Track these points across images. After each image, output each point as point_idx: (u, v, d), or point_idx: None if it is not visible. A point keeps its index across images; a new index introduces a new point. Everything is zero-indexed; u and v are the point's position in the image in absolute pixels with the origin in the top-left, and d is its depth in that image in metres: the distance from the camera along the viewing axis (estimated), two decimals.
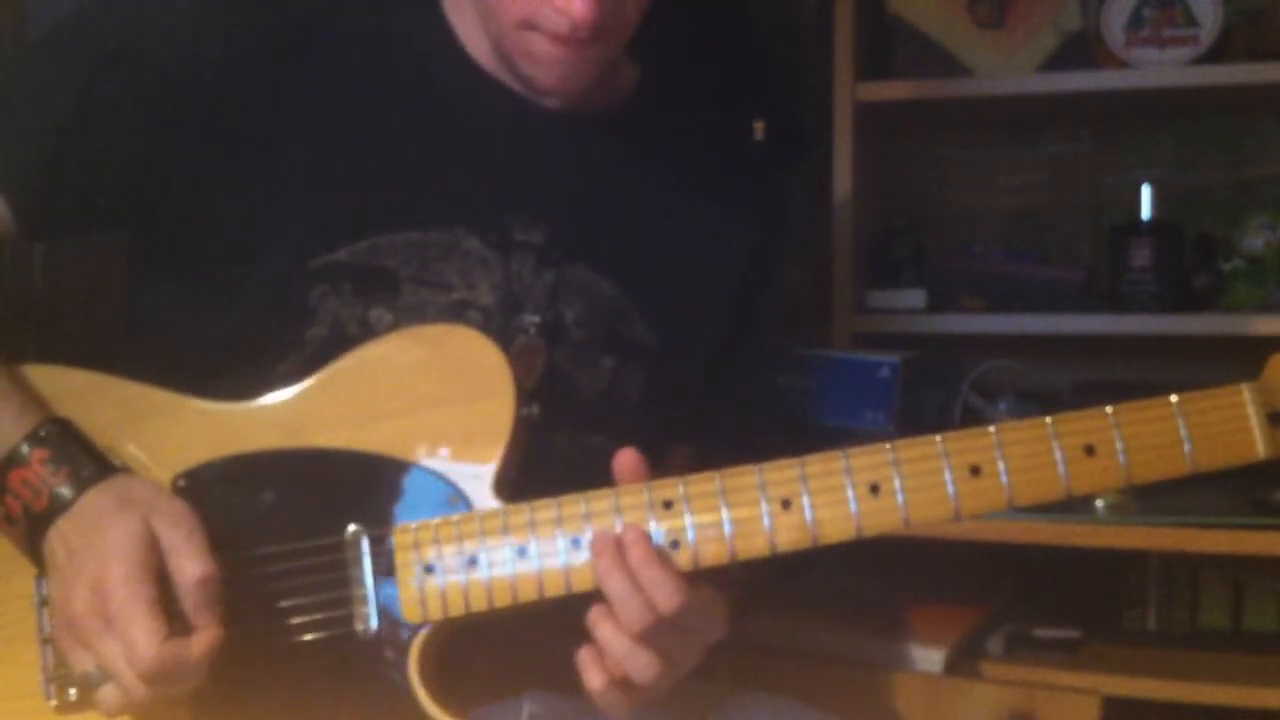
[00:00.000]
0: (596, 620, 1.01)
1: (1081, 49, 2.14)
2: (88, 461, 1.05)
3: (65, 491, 1.03)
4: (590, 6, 1.07)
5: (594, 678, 1.02)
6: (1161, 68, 2.04)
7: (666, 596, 0.99)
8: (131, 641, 0.96)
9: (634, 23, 1.14)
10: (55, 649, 1.04)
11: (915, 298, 2.20)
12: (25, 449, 1.04)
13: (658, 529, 1.02)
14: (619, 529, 1.01)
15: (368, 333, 1.12)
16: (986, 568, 2.04)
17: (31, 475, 1.03)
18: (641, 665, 1.00)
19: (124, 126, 1.12)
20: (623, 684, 1.02)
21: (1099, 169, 2.35)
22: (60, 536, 1.02)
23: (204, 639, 0.98)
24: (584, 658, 1.03)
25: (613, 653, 1.01)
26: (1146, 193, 2.22)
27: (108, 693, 1.00)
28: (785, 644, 1.87)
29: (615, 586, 1.00)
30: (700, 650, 1.06)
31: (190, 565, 0.99)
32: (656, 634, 1.00)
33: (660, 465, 1.05)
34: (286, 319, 1.13)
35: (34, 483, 1.03)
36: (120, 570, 0.98)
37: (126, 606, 0.97)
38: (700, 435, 1.30)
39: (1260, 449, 0.96)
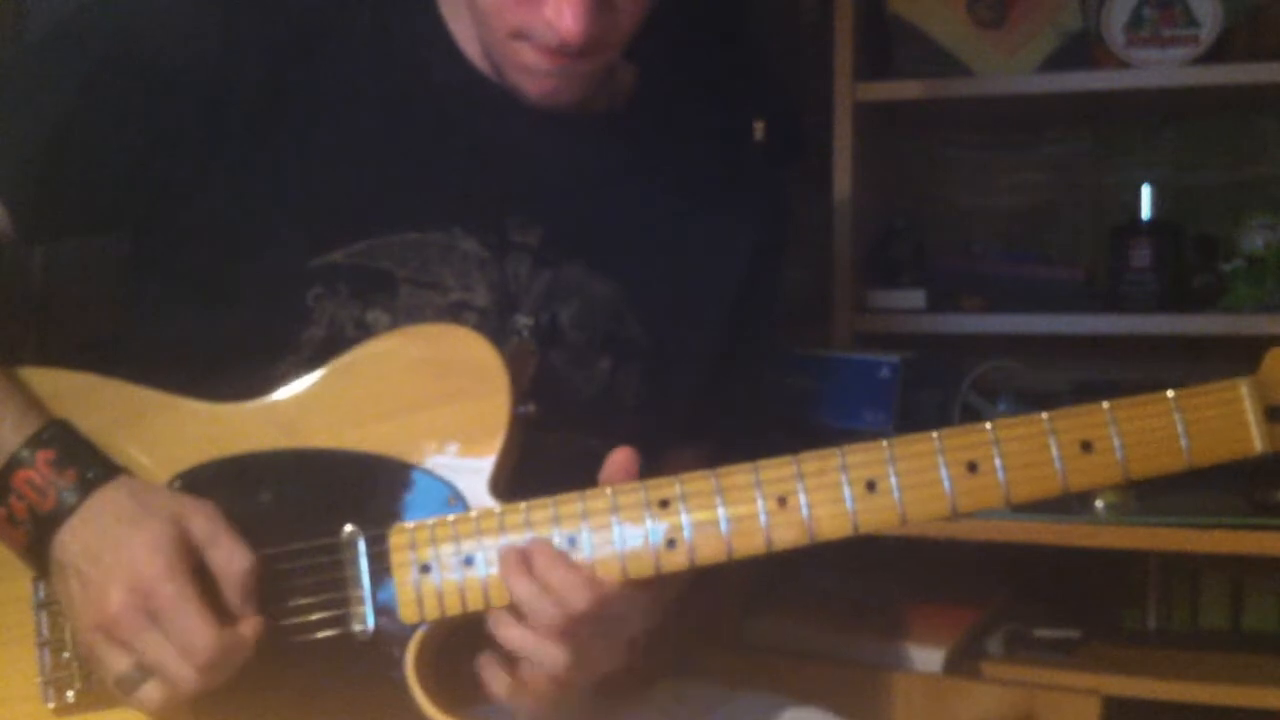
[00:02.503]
0: (498, 624, 1.03)
1: (1081, 49, 2.14)
2: (93, 462, 1.05)
3: (72, 493, 1.03)
4: (580, 24, 1.06)
5: (496, 681, 1.04)
6: (1161, 68, 2.04)
7: (576, 594, 1.00)
8: (188, 635, 0.98)
9: (627, 37, 1.14)
10: (81, 651, 1.05)
11: (915, 298, 2.20)
12: (29, 451, 1.04)
13: (655, 527, 1.02)
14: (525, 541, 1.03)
15: (365, 334, 1.12)
16: (986, 568, 2.04)
17: (37, 477, 1.04)
18: (550, 658, 1.02)
19: (122, 128, 1.12)
20: (531, 682, 1.03)
21: (1099, 169, 2.35)
22: (75, 538, 1.02)
23: (254, 624, 1.01)
24: (485, 663, 1.05)
25: (521, 650, 1.02)
26: (1146, 193, 2.22)
27: (151, 690, 1.00)
28: (785, 644, 1.87)
29: (521, 590, 1.01)
30: (623, 641, 1.07)
31: (236, 557, 1.02)
32: (569, 630, 1.01)
33: (659, 468, 1.05)
34: (283, 320, 1.13)
35: (40, 484, 1.03)
36: (162, 565, 0.99)
37: (174, 602, 0.98)
38: (699, 437, 1.29)
39: (1257, 444, 0.96)
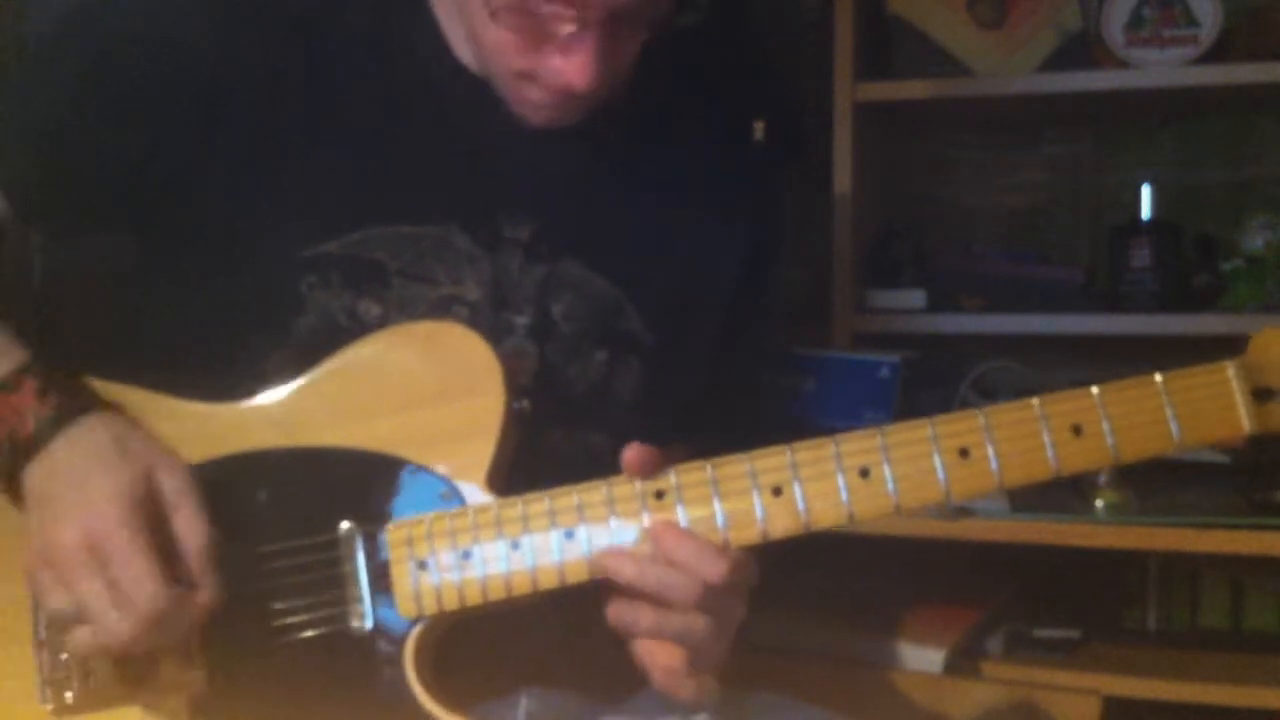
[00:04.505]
0: (637, 615, 1.01)
1: (1081, 49, 2.14)
2: (78, 393, 1.05)
3: (51, 421, 1.03)
4: (589, 77, 1.06)
5: (660, 671, 1.03)
6: (1161, 68, 2.04)
7: (711, 567, 1.00)
8: (128, 586, 0.97)
9: (626, 73, 1.14)
10: (29, 583, 1.03)
11: (915, 298, 2.20)
12: (15, 377, 1.04)
13: (650, 521, 1.02)
14: (647, 524, 1.02)
15: (356, 324, 1.13)
16: (986, 568, 2.04)
17: (19, 401, 1.03)
18: (699, 630, 1.01)
19: (118, 125, 1.13)
20: (687, 662, 1.02)
21: (1099, 169, 2.35)
22: (47, 468, 1.02)
23: (206, 594, 1.00)
24: (642, 654, 1.03)
25: (668, 631, 1.01)
26: (1146, 193, 2.22)
27: (81, 634, 0.99)
28: (785, 644, 1.87)
29: (653, 577, 1.00)
30: (744, 601, 1.06)
31: (197, 525, 1.01)
32: (707, 598, 1.01)
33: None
34: (277, 309, 1.13)
35: (20, 408, 1.03)
36: (119, 512, 0.98)
37: (127, 548, 0.97)
38: (697, 434, 1.29)
39: (1246, 424, 0.97)
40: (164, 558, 0.99)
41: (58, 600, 1.00)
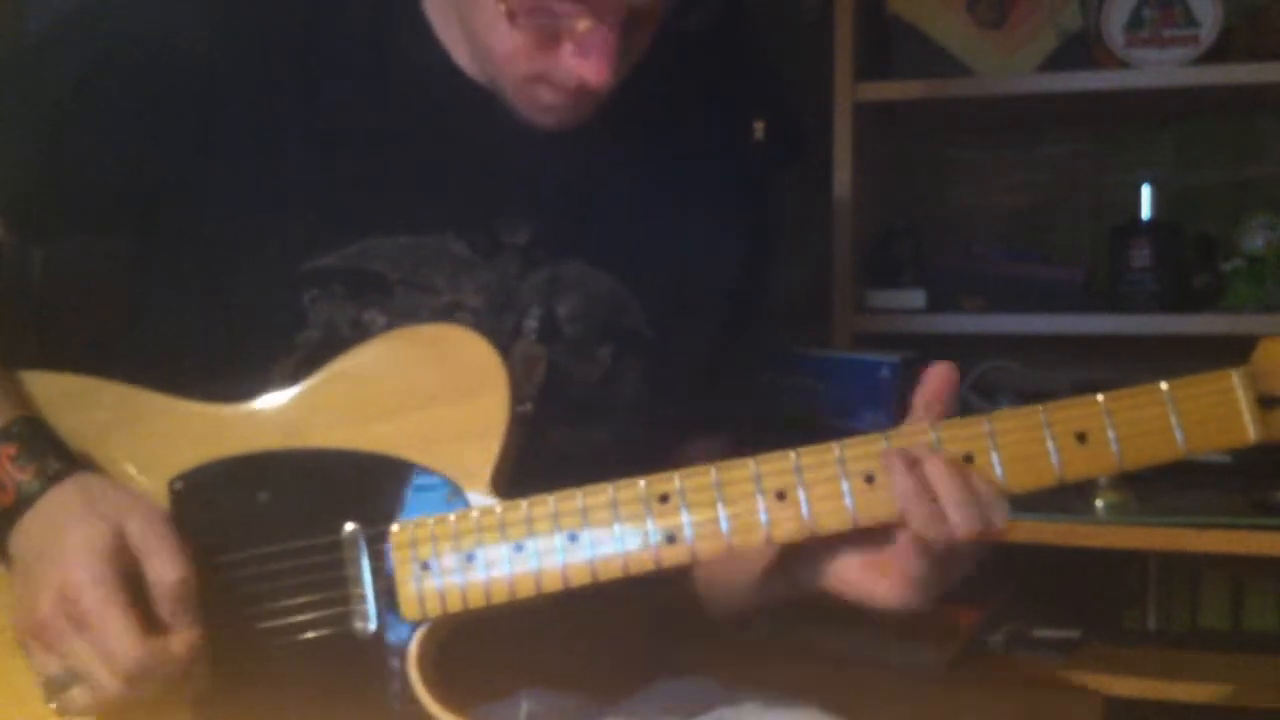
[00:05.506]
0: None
1: (1081, 49, 2.14)
2: (55, 459, 1.05)
3: (31, 487, 1.03)
4: (606, 71, 1.06)
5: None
6: (1161, 68, 2.05)
7: (999, 514, 0.99)
8: (109, 642, 0.97)
9: (633, 64, 1.14)
10: (25, 652, 1.04)
11: (915, 298, 2.20)
12: None
13: (653, 525, 1.02)
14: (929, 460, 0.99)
15: (361, 334, 1.12)
16: (986, 568, 2.04)
17: None
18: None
19: (115, 130, 1.13)
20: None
21: (1099, 169, 2.35)
22: (25, 534, 1.02)
23: (185, 638, 0.99)
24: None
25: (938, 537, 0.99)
26: (1146, 193, 2.22)
27: (77, 695, 1.00)
28: (785, 644, 1.87)
29: (952, 491, 0.97)
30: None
31: (167, 568, 1.00)
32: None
33: (671, 461, 1.05)
34: (279, 322, 1.13)
35: (1, 478, 1.04)
36: (88, 573, 0.98)
37: (98, 608, 0.97)
38: (698, 433, 1.30)
39: (1251, 432, 0.96)
40: (145, 606, 0.99)
41: (50, 666, 1.00)
